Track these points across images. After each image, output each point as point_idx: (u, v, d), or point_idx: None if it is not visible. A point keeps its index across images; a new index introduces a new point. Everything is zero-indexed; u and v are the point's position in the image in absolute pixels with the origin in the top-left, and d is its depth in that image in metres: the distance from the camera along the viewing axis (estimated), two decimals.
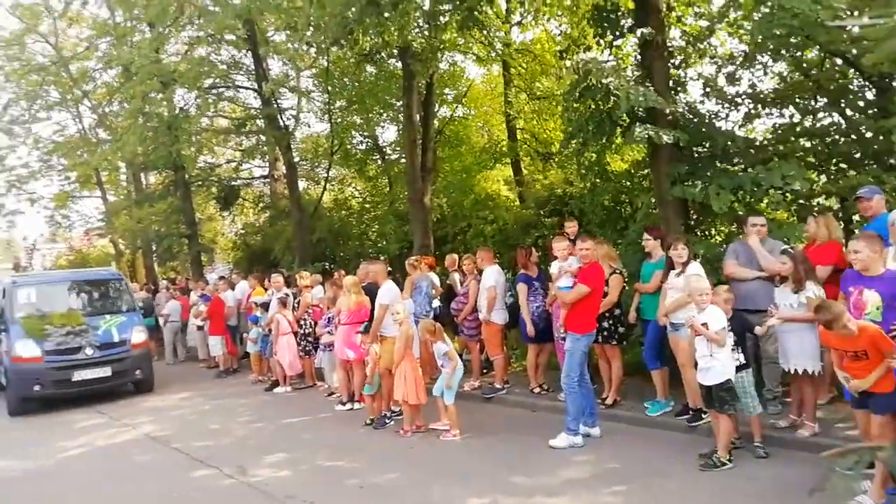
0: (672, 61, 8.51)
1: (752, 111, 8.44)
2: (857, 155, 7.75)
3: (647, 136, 7.03)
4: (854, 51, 7.15)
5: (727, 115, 8.56)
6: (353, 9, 8.73)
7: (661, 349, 6.58)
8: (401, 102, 13.71)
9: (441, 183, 15.24)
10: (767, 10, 6.88)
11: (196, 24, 13.90)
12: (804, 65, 8.24)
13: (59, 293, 10.59)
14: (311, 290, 10.11)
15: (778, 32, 6.91)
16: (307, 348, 9.75)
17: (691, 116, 8.01)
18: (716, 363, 5.13)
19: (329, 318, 8.79)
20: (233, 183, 20.56)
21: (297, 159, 17.22)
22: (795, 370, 5.52)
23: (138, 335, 10.36)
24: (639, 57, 8.56)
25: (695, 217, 8.20)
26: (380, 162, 17.60)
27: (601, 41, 8.86)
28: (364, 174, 18.08)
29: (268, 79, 14.37)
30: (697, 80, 8.71)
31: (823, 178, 8.07)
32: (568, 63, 10.54)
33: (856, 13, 5.77)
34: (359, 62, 13.89)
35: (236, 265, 18.95)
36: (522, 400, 7.73)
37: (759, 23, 7.15)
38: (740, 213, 7.26)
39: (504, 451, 6.10)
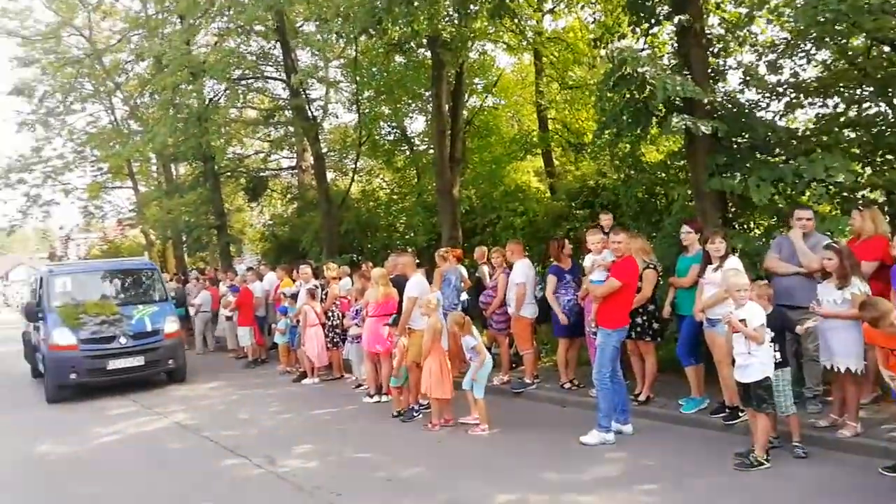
0: (710, 49, 8.28)
1: (794, 100, 8.19)
2: None
3: (684, 126, 6.85)
4: None
5: (768, 105, 8.32)
6: None
7: (696, 345, 6.42)
8: (429, 92, 13.65)
9: (470, 174, 15.15)
10: None
11: (226, 15, 13.97)
12: (849, 52, 7.93)
13: (94, 283, 10.75)
14: (338, 281, 10.11)
15: (822, 19, 6.65)
16: (335, 340, 9.76)
17: (730, 106, 7.81)
18: (754, 360, 4.97)
19: (357, 310, 8.78)
20: (261, 174, 20.75)
21: (324, 150, 17.27)
22: (838, 368, 5.32)
23: (171, 325, 10.44)
24: (675, 45, 8.36)
25: (733, 210, 8.01)
26: (408, 153, 17.56)
27: (636, 29, 8.64)
28: (392, 165, 18.04)
29: (296, 70, 14.38)
30: (737, 68, 8.46)
31: (869, 169, 7.80)
32: (602, 52, 10.32)
33: None
34: (387, 52, 13.83)
35: (264, 256, 19.12)
36: (552, 395, 7.62)
37: (802, 9, 6.90)
38: (780, 205, 7.04)
39: (533, 447, 6.01)
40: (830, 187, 6.87)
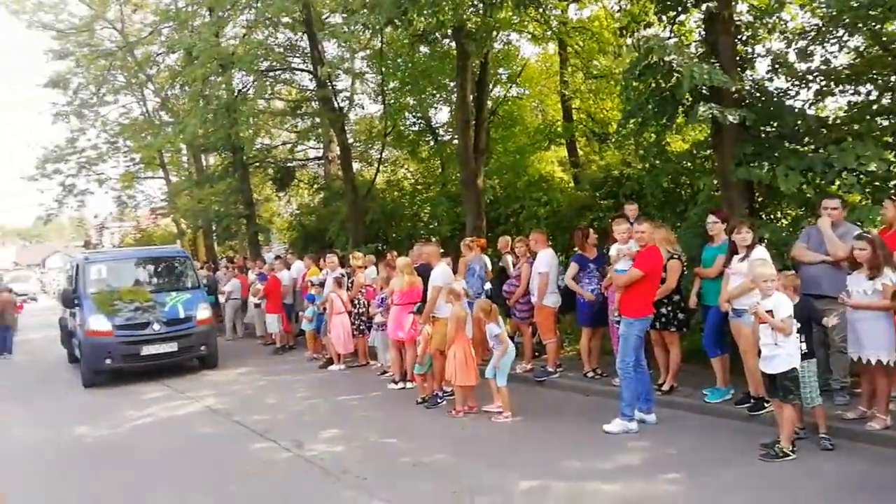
0: (739, 37, 8.13)
1: (825, 88, 8.03)
2: None
3: (711, 115, 6.77)
4: None
5: (797, 93, 8.16)
6: None
7: (721, 335, 6.40)
8: (454, 83, 13.64)
9: (494, 164, 15.13)
10: None
11: (254, 7, 14.13)
12: (884, 38, 7.74)
13: (128, 270, 11.04)
14: (364, 270, 10.24)
15: (856, 4, 6.52)
16: (360, 327, 9.90)
17: (759, 94, 7.69)
18: (780, 351, 4.94)
19: (382, 298, 8.89)
20: (288, 164, 21.00)
21: (350, 141, 17.42)
22: (868, 360, 5.26)
23: (203, 312, 10.64)
24: (703, 33, 8.25)
25: (760, 200, 7.89)
26: (432, 143, 17.59)
27: (663, 17, 8.55)
28: (417, 155, 18.10)
29: (323, 61, 14.51)
30: (766, 56, 8.31)
31: None
32: (628, 40, 10.22)
33: None
34: (413, 43, 13.84)
35: (292, 245, 19.36)
36: (575, 384, 7.65)
37: None
38: (809, 196, 6.93)
39: (556, 435, 6.06)
40: (861, 176, 6.75)
